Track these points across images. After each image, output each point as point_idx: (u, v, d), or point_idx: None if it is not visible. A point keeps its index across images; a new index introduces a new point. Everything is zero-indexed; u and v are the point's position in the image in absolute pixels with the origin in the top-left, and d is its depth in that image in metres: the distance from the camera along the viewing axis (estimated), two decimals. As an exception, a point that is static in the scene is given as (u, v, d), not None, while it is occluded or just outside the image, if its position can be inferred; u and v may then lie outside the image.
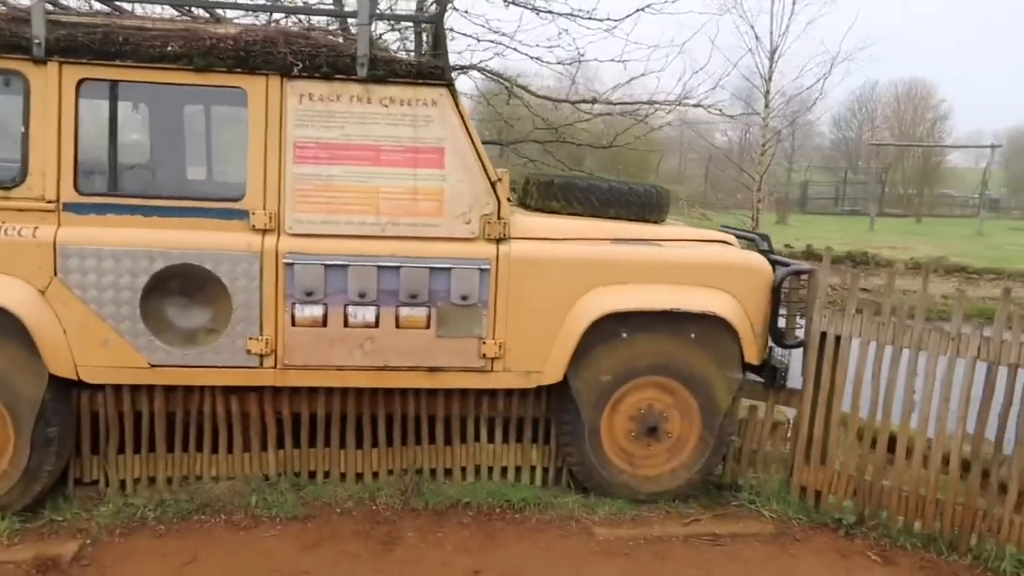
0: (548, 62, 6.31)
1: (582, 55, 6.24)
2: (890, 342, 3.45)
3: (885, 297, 3.49)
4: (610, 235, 3.61)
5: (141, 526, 3.30)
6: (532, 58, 6.22)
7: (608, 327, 3.46)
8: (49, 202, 3.15)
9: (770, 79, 14.71)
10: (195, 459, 3.53)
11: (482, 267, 3.38)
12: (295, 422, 3.59)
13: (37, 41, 3.08)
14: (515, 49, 6.42)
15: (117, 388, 3.41)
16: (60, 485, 3.42)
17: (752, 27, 14.61)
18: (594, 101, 6.30)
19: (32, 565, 3.00)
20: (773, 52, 14.68)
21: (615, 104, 6.42)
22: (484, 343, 3.42)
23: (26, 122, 3.12)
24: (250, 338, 3.28)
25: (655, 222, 3.89)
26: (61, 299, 3.17)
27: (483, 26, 6.46)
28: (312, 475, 3.62)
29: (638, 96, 6.58)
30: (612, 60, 6.17)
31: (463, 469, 3.71)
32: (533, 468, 3.75)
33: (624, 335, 3.51)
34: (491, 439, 3.72)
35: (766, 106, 13.98)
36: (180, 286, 3.25)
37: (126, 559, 3.09)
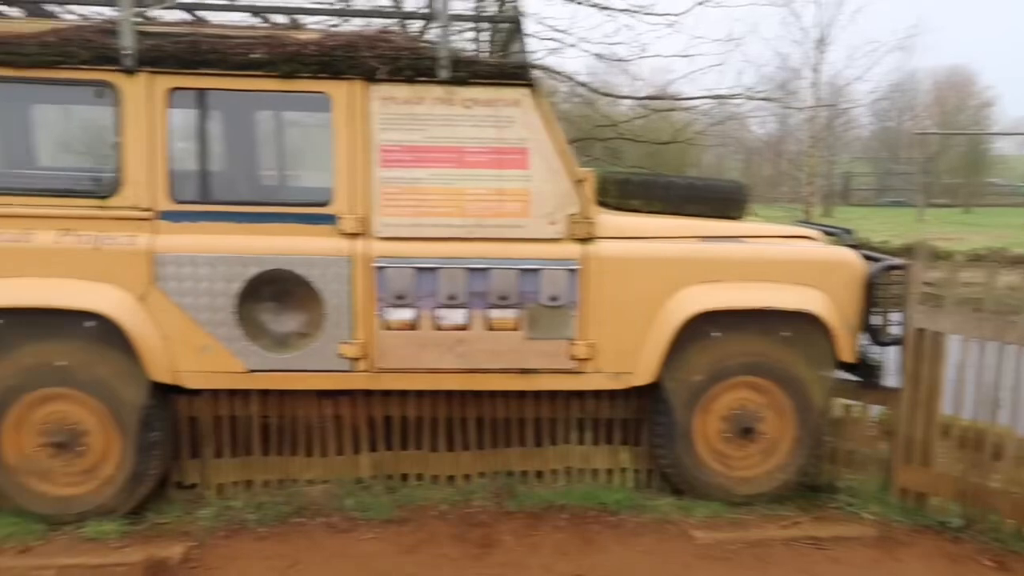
0: (610, 58, 6.14)
1: (642, 51, 6.06)
2: (993, 338, 3.22)
3: (986, 291, 3.26)
4: (697, 233, 3.43)
5: (242, 529, 3.25)
6: (594, 55, 6.05)
7: (699, 326, 3.29)
8: (145, 211, 3.11)
9: (817, 70, 14.29)
10: (290, 462, 3.46)
11: (571, 267, 3.24)
12: (386, 425, 3.50)
13: (126, 52, 3.03)
14: (572, 46, 6.26)
15: (214, 393, 3.36)
16: (161, 488, 3.38)
17: (798, 17, 14.20)
18: (659, 98, 6.12)
19: (143, 568, 2.96)
20: (820, 42, 14.24)
21: (680, 99, 6.22)
22: (574, 344, 3.28)
23: (120, 132, 3.09)
24: (343, 342, 3.20)
25: (735, 218, 3.71)
26: (159, 306, 3.13)
27: (543, 24, 6.32)
28: (404, 478, 3.52)
29: (688, 91, 6.39)
30: (675, 55, 5.98)
31: (553, 471, 3.57)
32: (624, 470, 3.59)
33: (716, 334, 3.34)
34: (581, 441, 3.58)
35: (816, 97, 13.57)
36: (273, 291, 3.18)
37: (232, 562, 3.04)
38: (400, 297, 3.20)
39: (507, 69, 3.21)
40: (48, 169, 3.77)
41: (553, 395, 3.51)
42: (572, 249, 3.25)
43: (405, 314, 3.21)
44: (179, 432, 3.38)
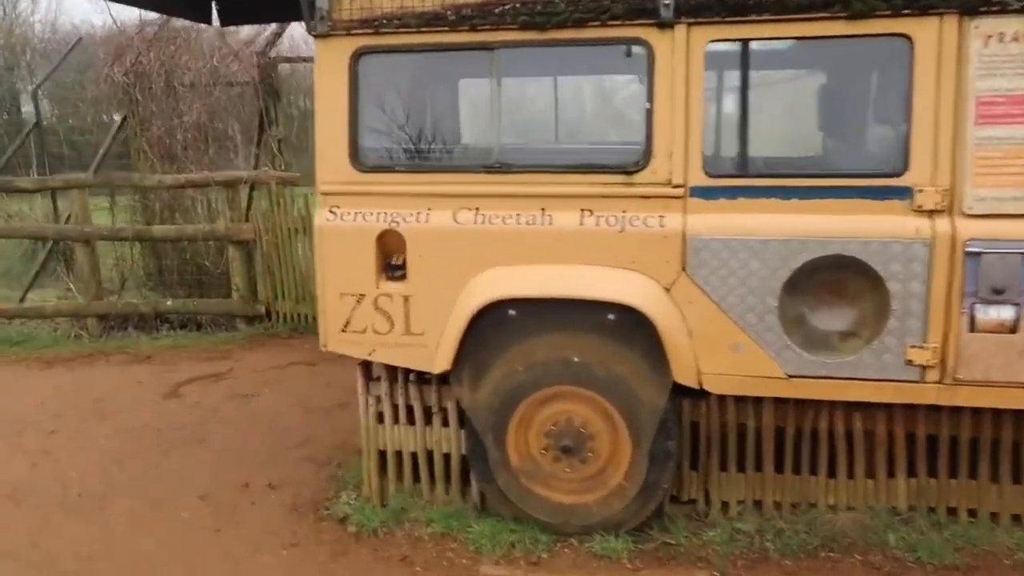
0: None
1: None
2: None
3: None
4: None
5: (763, 559, 2.52)
6: None
7: None
8: (676, 187, 2.42)
9: None
10: (808, 483, 2.68)
11: None
12: (930, 446, 2.61)
13: (666, 2, 2.35)
14: None
15: (721, 398, 2.65)
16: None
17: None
18: None
19: (679, 601, 2.33)
20: None
21: None
22: None
23: (650, 97, 2.41)
24: (911, 346, 2.34)
25: None
26: (688, 298, 2.44)
27: None
28: (952, 512, 2.62)
29: None
30: None
31: None
32: None
33: None
34: None
35: None
36: (822, 282, 2.39)
37: (772, 603, 2.33)
38: (998, 291, 2.26)
39: None
40: (566, 143, 3.25)
41: None
42: None
43: (1003, 312, 2.27)
44: (682, 441, 2.71)
